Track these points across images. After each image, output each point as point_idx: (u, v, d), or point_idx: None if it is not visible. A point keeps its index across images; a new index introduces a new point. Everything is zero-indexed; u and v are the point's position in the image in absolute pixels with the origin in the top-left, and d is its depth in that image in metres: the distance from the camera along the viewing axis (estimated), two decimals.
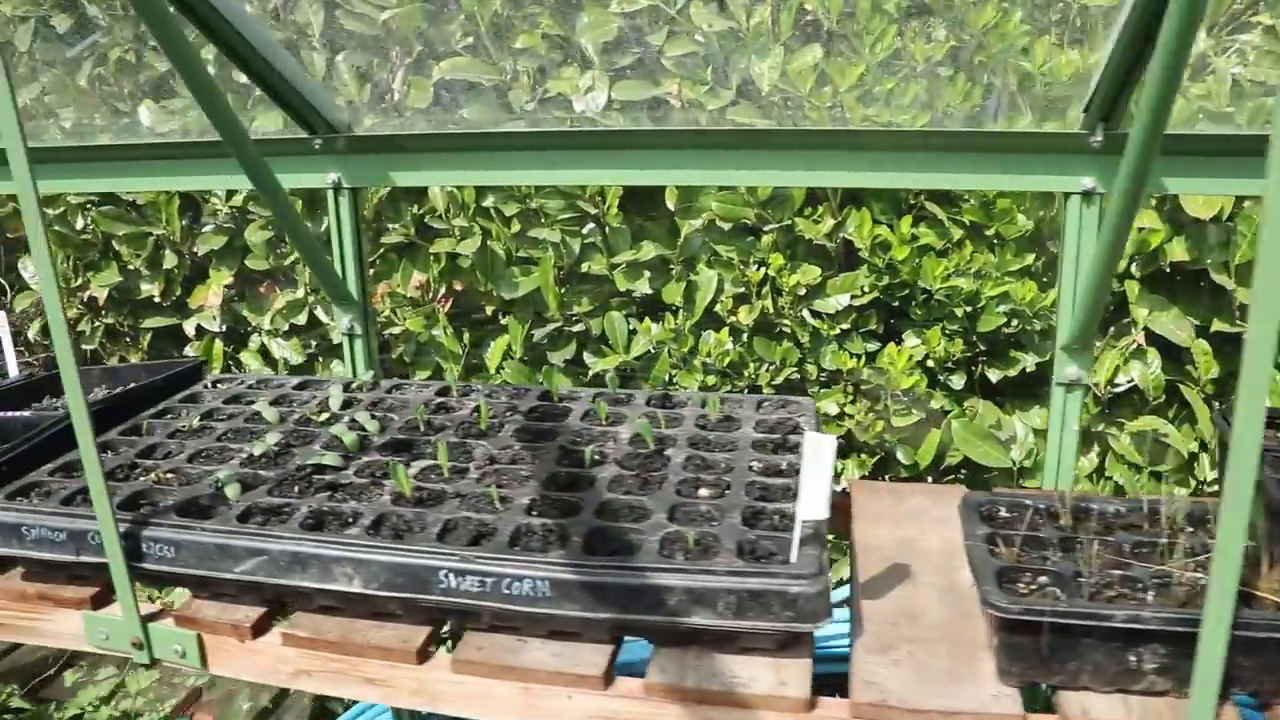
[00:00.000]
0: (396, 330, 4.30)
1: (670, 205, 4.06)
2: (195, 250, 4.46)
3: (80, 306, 4.66)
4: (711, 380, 4.07)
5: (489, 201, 4.14)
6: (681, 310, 4.07)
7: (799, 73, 3.72)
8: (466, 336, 4.25)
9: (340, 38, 4.03)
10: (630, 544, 1.88)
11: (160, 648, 1.99)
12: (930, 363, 3.95)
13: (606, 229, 4.12)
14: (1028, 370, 3.95)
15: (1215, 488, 3.81)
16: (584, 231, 4.16)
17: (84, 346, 4.81)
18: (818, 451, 1.86)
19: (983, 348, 3.96)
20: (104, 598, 2.08)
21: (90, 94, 4.35)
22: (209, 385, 2.71)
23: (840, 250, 4.06)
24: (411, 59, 3.96)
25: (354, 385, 2.60)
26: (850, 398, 4.05)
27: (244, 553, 1.91)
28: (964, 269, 3.84)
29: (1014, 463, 3.90)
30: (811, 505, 1.85)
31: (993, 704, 1.69)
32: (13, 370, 2.94)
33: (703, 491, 2.07)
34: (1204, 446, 3.89)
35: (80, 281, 4.61)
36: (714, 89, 3.82)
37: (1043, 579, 1.82)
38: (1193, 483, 3.93)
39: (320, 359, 4.46)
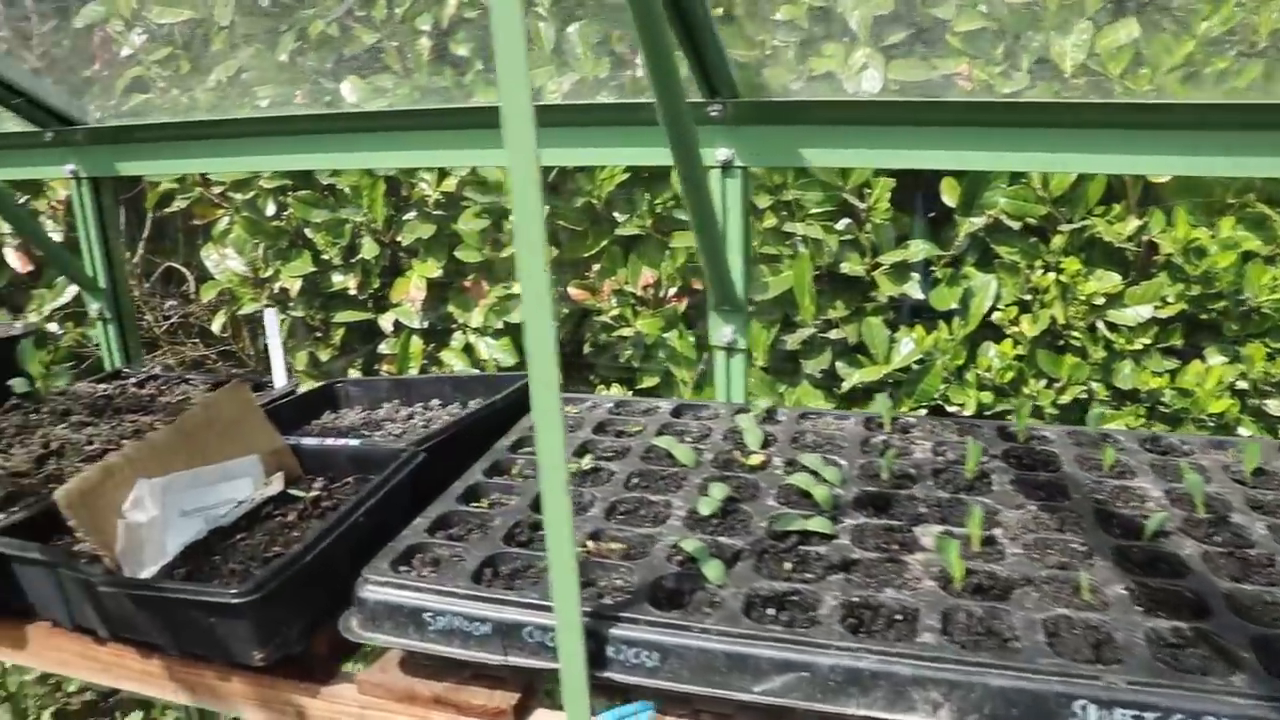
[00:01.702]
0: (626, 332, 3.66)
1: (949, 201, 3.41)
2: (398, 239, 3.83)
3: (268, 299, 4.03)
4: (987, 398, 3.42)
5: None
6: (955, 318, 3.42)
7: (1110, 51, 3.04)
8: (690, 339, 3.61)
9: (572, 6, 3.42)
10: None
11: None
12: (1243, 384, 3.29)
13: (870, 225, 3.47)
14: None
15: None
16: (839, 228, 3.52)
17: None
18: None
19: None
20: (526, 706, 1.45)
21: (289, 69, 3.74)
22: None
23: (1142, 255, 3.40)
24: None
25: (756, 415, 1.94)
26: (1144, 420, 3.39)
27: (769, 666, 1.27)
28: None
29: None
30: None
31: None
32: (280, 379, 2.31)
33: None
34: None
35: (270, 272, 3.98)
36: (1007, 71, 3.16)
37: None
38: None
39: None
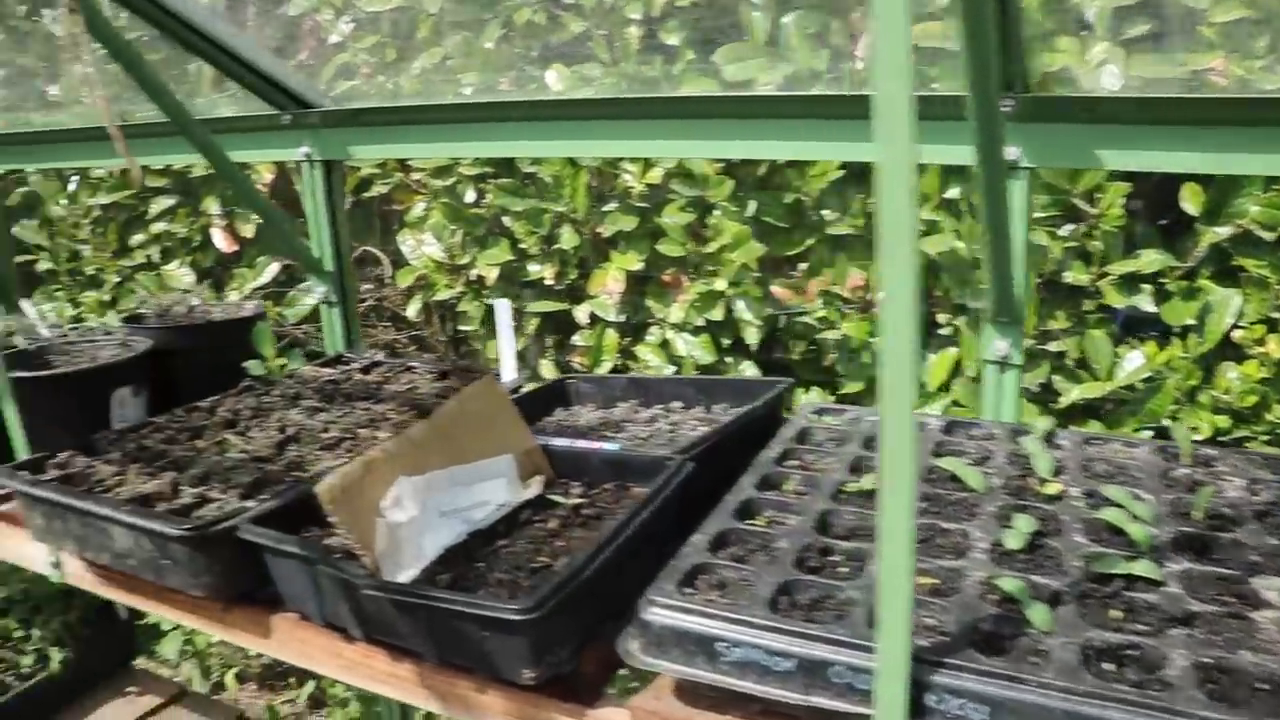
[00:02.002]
0: (831, 335, 3.52)
1: (1190, 208, 3.16)
2: (598, 231, 3.76)
3: (463, 286, 4.02)
4: (1223, 422, 3.16)
5: (954, 192, 3.33)
6: (1190, 334, 3.18)
7: None
8: None
9: None
10: None
11: None
12: None
13: (1098, 231, 3.25)
14: None
15: None
16: (1063, 233, 3.31)
17: (461, 327, 4.19)
18: None
19: None
20: None
21: (495, 56, 3.71)
22: (813, 416, 1.94)
23: None
24: None
25: (1038, 438, 1.78)
26: None
27: None
28: None
29: None
30: None
31: None
32: (509, 372, 2.24)
33: None
34: None
35: (467, 259, 3.97)
36: (1270, 66, 2.89)
37: None
38: None
39: (731, 359, 3.72)
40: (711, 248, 3.60)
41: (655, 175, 3.65)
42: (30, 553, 2.28)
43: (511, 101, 2.70)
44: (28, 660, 3.25)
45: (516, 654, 1.39)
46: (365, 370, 2.53)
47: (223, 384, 2.50)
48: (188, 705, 3.34)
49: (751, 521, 1.57)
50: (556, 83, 3.50)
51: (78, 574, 2.15)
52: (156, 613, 2.01)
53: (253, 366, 2.40)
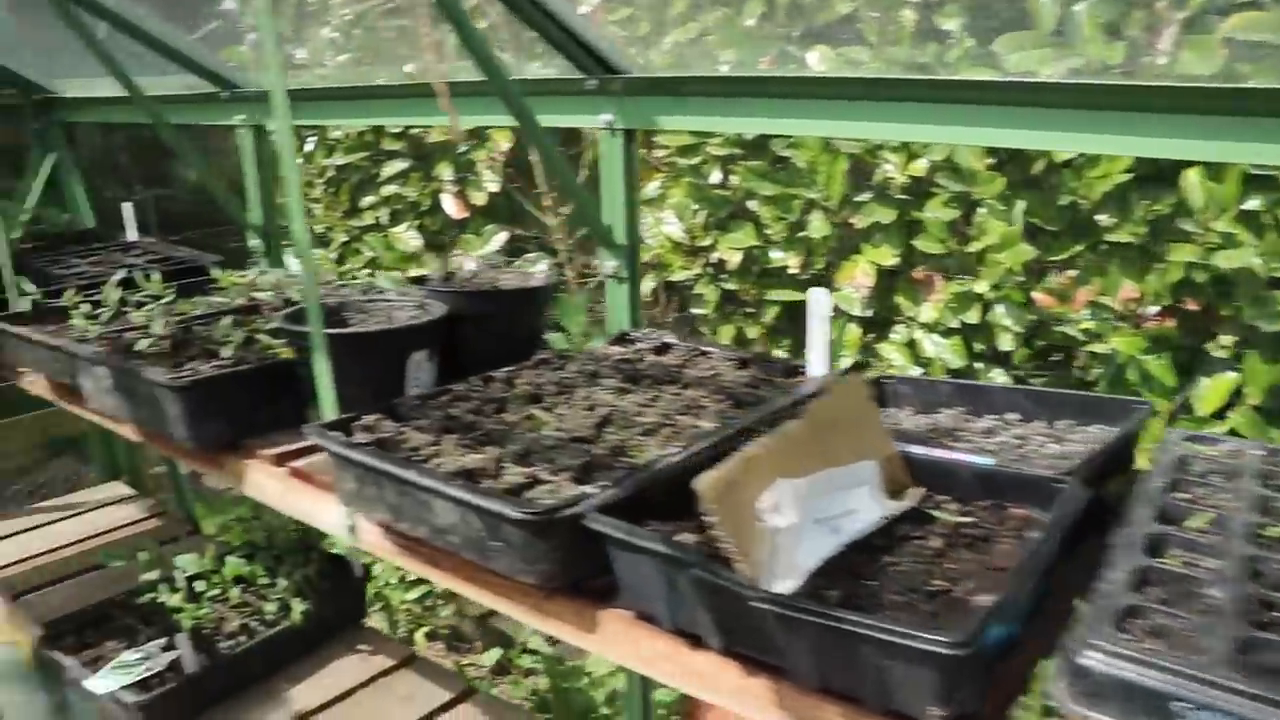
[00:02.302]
0: (1097, 348, 3.32)
1: None
2: (850, 221, 3.62)
3: (701, 268, 3.93)
4: None
5: (1255, 204, 3.08)
6: None
7: None
8: (1162, 365, 3.22)
9: None
10: None
11: None
12: None
13: None
14: None
15: None
16: None
17: (694, 310, 4.10)
18: None
19: None
20: None
21: (755, 34, 3.59)
22: (1186, 444, 1.78)
23: None
24: (1185, 13, 2.93)
25: None
26: None
27: None
28: None
29: None
30: None
31: None
32: (820, 367, 2.13)
33: None
34: None
35: (708, 241, 3.87)
36: None
37: None
38: None
39: (980, 364, 3.54)
40: (974, 247, 3.42)
41: (919, 167, 3.49)
42: (321, 512, 2.27)
43: (838, 78, 2.55)
44: (270, 608, 3.30)
45: (928, 688, 1.28)
46: (658, 351, 2.45)
47: (507, 354, 2.44)
48: (417, 670, 3.35)
49: (1160, 560, 1.42)
50: (819, 64, 3.37)
51: (375, 541, 2.11)
52: (463, 591, 1.96)
53: (556, 340, 2.34)
